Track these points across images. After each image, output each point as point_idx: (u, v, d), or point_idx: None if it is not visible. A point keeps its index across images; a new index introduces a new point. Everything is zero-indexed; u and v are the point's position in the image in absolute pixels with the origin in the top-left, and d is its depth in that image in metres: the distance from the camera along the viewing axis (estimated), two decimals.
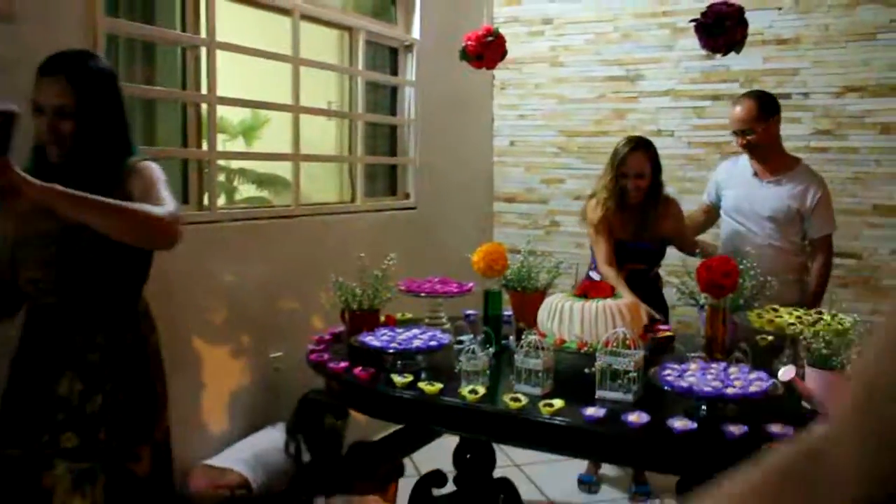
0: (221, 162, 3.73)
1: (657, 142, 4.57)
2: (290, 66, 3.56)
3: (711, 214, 3.57)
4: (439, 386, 2.23)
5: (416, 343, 2.47)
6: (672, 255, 3.43)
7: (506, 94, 5.06)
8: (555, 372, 2.29)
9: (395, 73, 4.36)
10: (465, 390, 2.19)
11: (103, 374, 1.90)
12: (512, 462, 3.94)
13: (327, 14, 3.83)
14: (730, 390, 2.01)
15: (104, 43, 2.61)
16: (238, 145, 4.62)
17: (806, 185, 3.25)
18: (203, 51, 3.14)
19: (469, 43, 3.29)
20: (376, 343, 2.46)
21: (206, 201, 3.18)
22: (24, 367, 1.93)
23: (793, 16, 4.28)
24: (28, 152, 1.89)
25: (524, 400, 2.12)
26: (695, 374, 2.16)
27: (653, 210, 3.18)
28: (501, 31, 3.36)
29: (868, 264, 4.16)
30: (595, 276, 3.28)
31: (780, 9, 4.30)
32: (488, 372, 2.30)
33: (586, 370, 2.22)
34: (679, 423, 1.93)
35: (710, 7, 2.87)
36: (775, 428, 1.91)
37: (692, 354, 2.57)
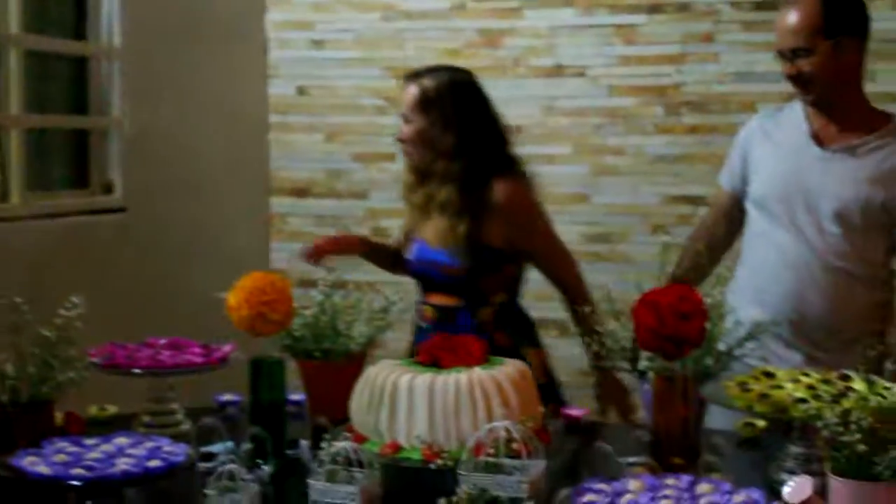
0: None
1: (557, 85, 4.69)
2: None
3: (736, 216, 3.57)
4: None
5: (122, 465, 2.45)
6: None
7: (290, 3, 5.02)
8: None
9: None
10: None
11: None
12: None
13: None
14: None
15: None
16: None
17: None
18: None
19: None
20: (44, 469, 2.40)
21: None
22: None
23: None
24: None
25: None
26: (637, 501, 2.17)
27: (449, 190, 3.41)
28: None
29: None
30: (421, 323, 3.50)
31: None
32: None
33: (441, 501, 2.18)
34: None
35: None
36: None
37: (631, 461, 2.57)
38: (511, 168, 3.51)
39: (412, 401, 2.46)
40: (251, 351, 2.83)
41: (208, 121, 4.81)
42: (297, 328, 2.89)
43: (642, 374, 2.73)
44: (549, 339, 4.80)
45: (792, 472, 2.42)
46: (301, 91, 5.04)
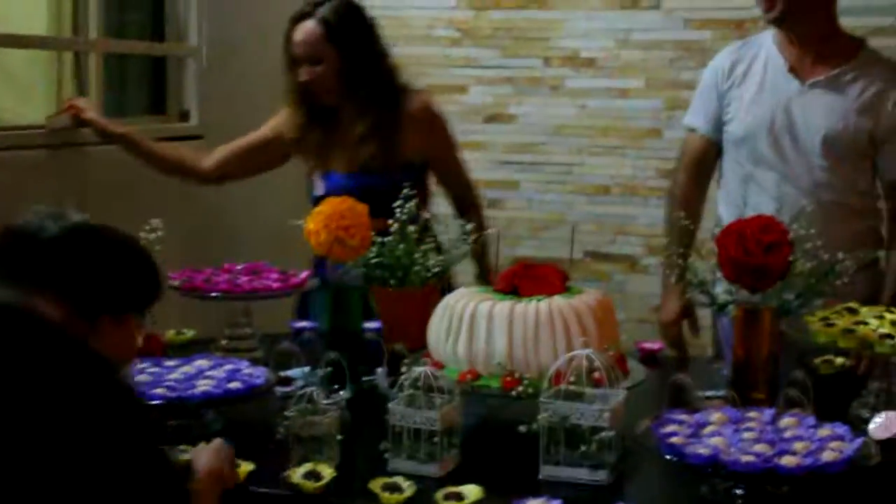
0: None
1: (634, 17, 4.63)
2: None
3: (709, 162, 3.51)
4: (248, 467, 2.22)
5: (203, 386, 2.49)
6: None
7: None
8: (463, 433, 2.32)
9: None
10: (296, 473, 2.17)
11: None
12: None
13: None
14: (786, 460, 2.02)
15: None
16: None
17: (881, 85, 3.27)
18: None
19: None
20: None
21: None
22: None
23: None
24: None
25: (408, 488, 2.11)
26: (721, 432, 2.18)
27: (373, 113, 3.42)
28: None
29: None
30: None
31: None
32: (340, 437, 2.29)
33: (521, 428, 2.22)
34: None
35: None
36: None
37: (710, 394, 2.58)
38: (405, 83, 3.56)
39: (491, 328, 2.46)
40: (328, 277, 2.87)
41: (281, 53, 4.78)
42: (375, 255, 2.88)
43: (721, 308, 2.74)
44: (619, 276, 4.83)
45: (875, 409, 2.40)
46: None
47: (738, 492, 2.07)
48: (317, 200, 3.26)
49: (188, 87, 4.54)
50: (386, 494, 2.07)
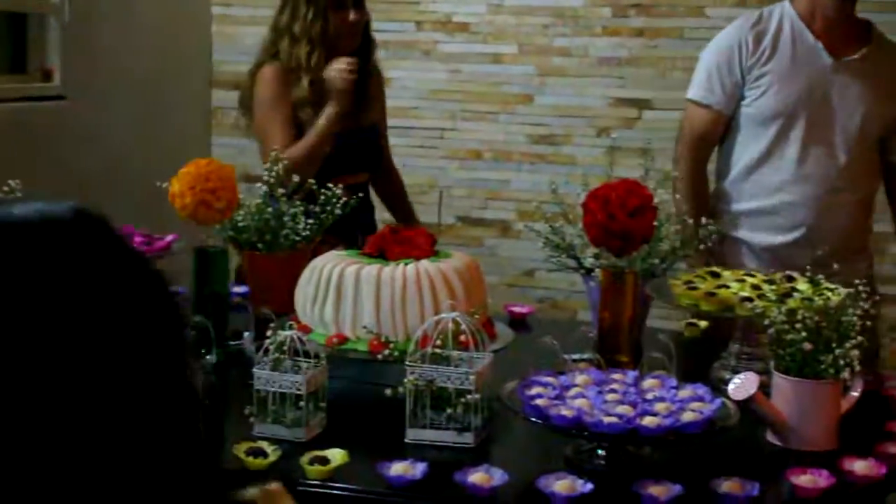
0: None
1: None
2: None
3: (716, 138, 3.43)
4: None
5: None
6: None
7: None
8: (329, 397, 2.32)
9: None
10: None
11: None
12: None
13: None
14: (647, 420, 2.04)
15: None
16: None
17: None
18: None
19: None
20: None
21: None
22: None
23: None
24: None
25: (273, 453, 2.12)
26: (584, 394, 2.19)
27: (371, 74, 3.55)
28: None
29: None
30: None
31: None
32: (206, 402, 2.17)
33: (387, 391, 2.23)
34: (561, 485, 1.95)
35: None
36: (727, 485, 1.96)
37: (575, 357, 2.58)
38: None
39: (358, 292, 2.47)
40: (194, 241, 2.82)
41: (150, 12, 4.74)
42: (241, 218, 2.85)
43: (588, 272, 2.76)
44: (490, 241, 4.85)
45: (735, 371, 2.45)
46: None
47: (601, 452, 2.10)
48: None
49: (50, 45, 4.45)
50: (250, 459, 2.06)
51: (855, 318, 2.27)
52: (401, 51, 4.77)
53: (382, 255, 2.56)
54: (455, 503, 2.00)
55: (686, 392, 2.18)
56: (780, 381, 2.22)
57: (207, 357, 2.51)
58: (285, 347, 2.23)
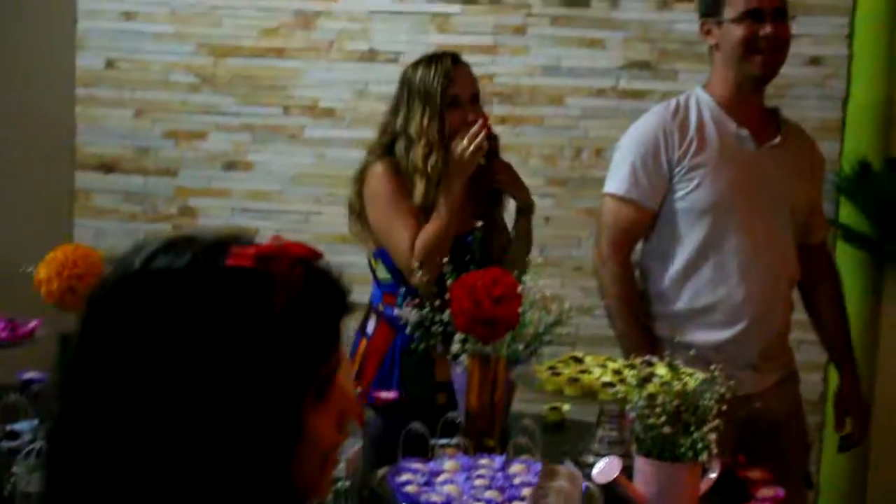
0: None
1: (369, 70, 4.69)
2: None
3: (641, 234, 3.29)
4: None
5: None
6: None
7: None
8: None
9: None
10: None
11: None
12: None
13: None
14: None
15: None
16: None
17: (810, 153, 3.36)
18: None
19: None
20: None
21: None
22: None
23: None
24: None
25: None
26: (453, 480, 2.23)
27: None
28: None
29: None
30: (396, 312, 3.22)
31: None
32: None
33: None
34: None
35: None
36: None
37: (443, 442, 2.59)
38: None
39: None
40: (60, 326, 2.72)
41: (11, 91, 4.66)
42: None
43: (455, 357, 2.76)
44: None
45: (598, 454, 2.48)
46: (110, 64, 4.89)
47: None
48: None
49: None
50: None
51: (712, 403, 2.34)
52: (267, 135, 4.76)
53: None
54: None
55: None
56: (641, 464, 2.26)
57: None
58: None
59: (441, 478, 2.21)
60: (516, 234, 3.38)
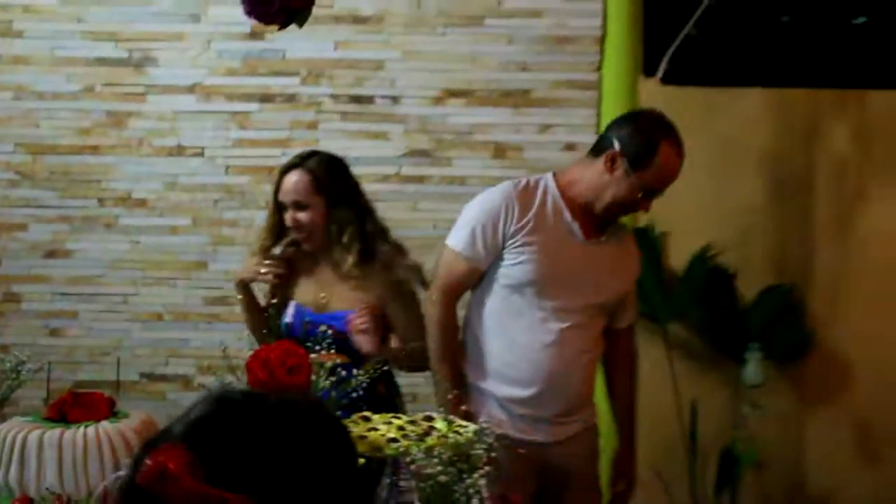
0: None
1: (178, 164, 4.64)
2: None
3: (470, 285, 3.33)
4: None
5: None
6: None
7: None
8: None
9: None
10: None
11: None
12: None
13: None
14: None
15: None
16: None
17: (628, 248, 3.41)
18: None
19: None
20: None
21: None
22: None
23: None
24: None
25: None
26: None
27: (353, 258, 3.34)
28: None
29: None
30: None
31: None
32: None
33: None
34: None
35: None
36: None
37: None
38: (384, 234, 3.47)
39: (41, 455, 2.38)
40: None
41: None
42: None
43: None
44: (173, 394, 4.75)
45: (387, 501, 2.47)
46: None
47: None
48: (286, 326, 3.36)
49: None
50: None
51: (482, 452, 2.36)
52: (84, 225, 4.66)
53: (64, 419, 2.47)
54: None
55: None
56: None
57: None
58: None
59: None
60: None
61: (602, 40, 4.55)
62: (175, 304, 4.69)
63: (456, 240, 3.23)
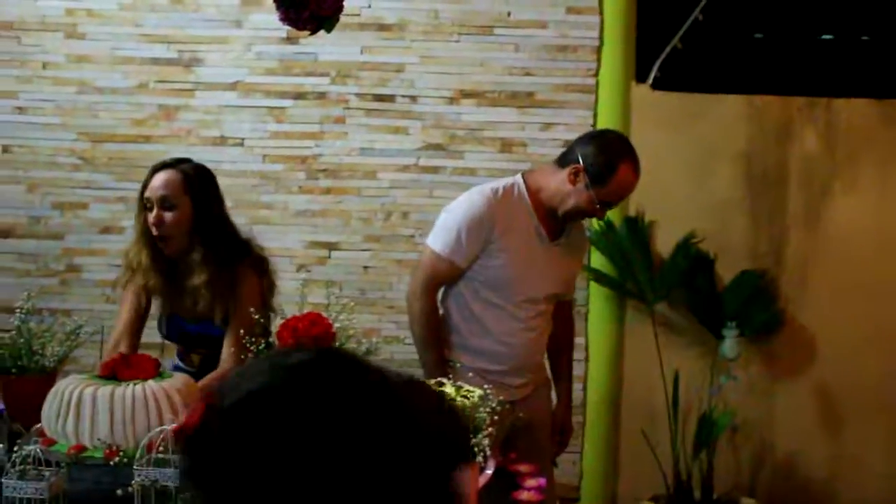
0: None
1: (221, 153, 4.63)
2: None
3: (454, 280, 3.31)
4: None
5: None
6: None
7: None
8: (72, 497, 2.25)
9: None
10: None
11: None
12: None
13: None
14: None
15: None
16: None
17: (580, 238, 3.49)
18: None
19: None
20: None
21: None
22: None
23: None
24: None
25: None
26: None
27: (207, 273, 3.05)
28: None
29: None
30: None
31: None
32: None
33: (119, 492, 2.19)
34: None
35: None
36: None
37: None
38: (250, 253, 3.21)
39: (95, 408, 2.41)
40: None
41: None
42: None
43: None
44: None
45: None
46: (5, 150, 4.74)
47: None
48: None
49: None
50: None
51: (486, 415, 2.36)
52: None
53: (115, 376, 2.50)
54: None
55: None
56: None
57: None
58: (30, 459, 2.14)
59: None
60: None
61: (599, 50, 4.56)
62: None
63: (441, 243, 3.19)
